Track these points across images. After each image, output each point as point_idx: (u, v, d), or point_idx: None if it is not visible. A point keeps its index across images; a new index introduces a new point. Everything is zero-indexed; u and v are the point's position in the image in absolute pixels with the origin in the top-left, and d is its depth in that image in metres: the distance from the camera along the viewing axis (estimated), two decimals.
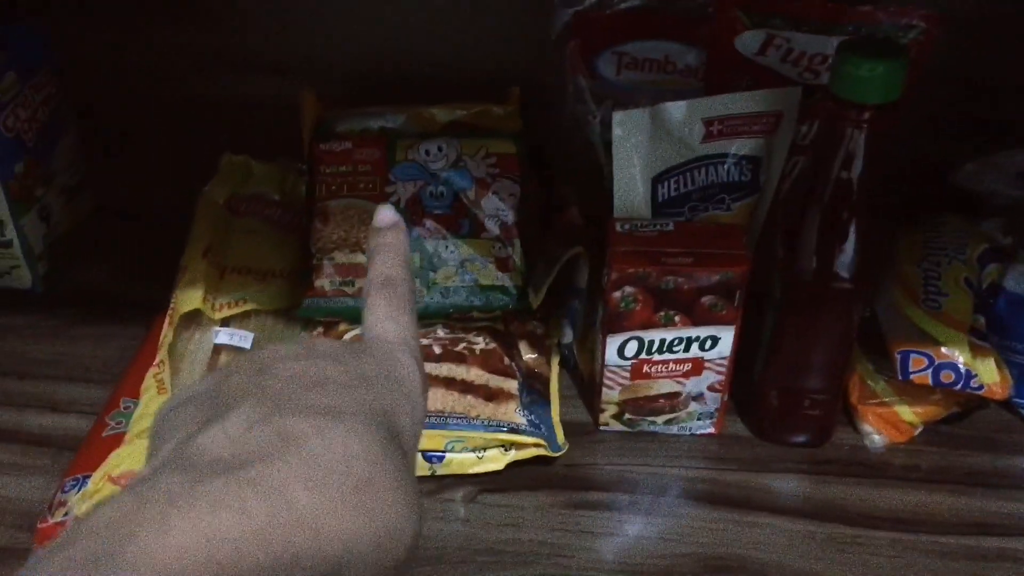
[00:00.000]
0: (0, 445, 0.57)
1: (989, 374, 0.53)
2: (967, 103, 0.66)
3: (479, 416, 0.54)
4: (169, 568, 0.23)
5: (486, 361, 0.58)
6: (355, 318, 0.61)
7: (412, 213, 0.61)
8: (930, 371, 0.54)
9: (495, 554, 0.51)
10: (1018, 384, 0.56)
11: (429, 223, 0.61)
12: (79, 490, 0.48)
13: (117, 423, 0.53)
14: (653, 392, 0.56)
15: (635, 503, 0.54)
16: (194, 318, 0.58)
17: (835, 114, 0.47)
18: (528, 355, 0.61)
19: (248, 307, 0.61)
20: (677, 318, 0.53)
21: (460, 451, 0.54)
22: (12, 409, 0.60)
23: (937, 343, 0.54)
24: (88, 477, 0.49)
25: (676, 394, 0.56)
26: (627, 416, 0.58)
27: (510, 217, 0.62)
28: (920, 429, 0.58)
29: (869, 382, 0.58)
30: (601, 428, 0.59)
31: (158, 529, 0.23)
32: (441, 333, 0.60)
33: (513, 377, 0.57)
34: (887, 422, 0.57)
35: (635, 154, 0.55)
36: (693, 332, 0.54)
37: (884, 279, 0.60)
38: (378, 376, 0.32)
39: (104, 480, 0.48)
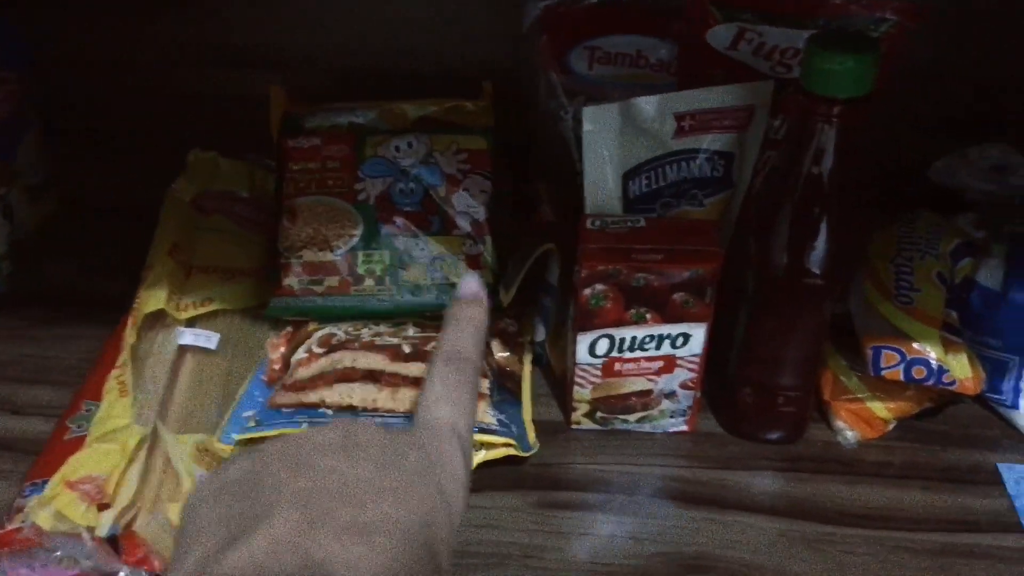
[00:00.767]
0: None
1: (961, 369, 0.53)
2: (947, 98, 0.66)
3: None
4: None
5: None
6: (324, 317, 0.60)
7: (381, 210, 0.61)
8: (902, 367, 0.53)
9: (466, 556, 0.50)
10: (991, 379, 0.56)
11: (399, 220, 0.60)
12: (37, 495, 0.47)
13: (78, 426, 0.52)
14: (625, 390, 0.55)
15: (608, 502, 0.54)
16: (159, 318, 0.57)
17: (805, 108, 0.47)
18: (500, 353, 0.60)
19: (215, 307, 0.60)
20: (648, 315, 0.52)
21: None
22: None
23: (909, 338, 0.54)
24: (47, 482, 0.48)
25: (648, 392, 0.56)
26: (599, 414, 0.57)
27: (481, 214, 0.61)
28: (893, 424, 0.57)
29: (842, 378, 0.58)
30: (573, 427, 0.58)
31: None
32: (412, 332, 0.59)
33: (484, 376, 0.57)
34: (860, 418, 0.57)
35: (606, 150, 0.54)
36: (665, 329, 0.53)
37: (857, 274, 0.59)
38: (419, 477, 0.30)
39: (61, 485, 0.47)
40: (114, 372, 0.53)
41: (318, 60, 0.73)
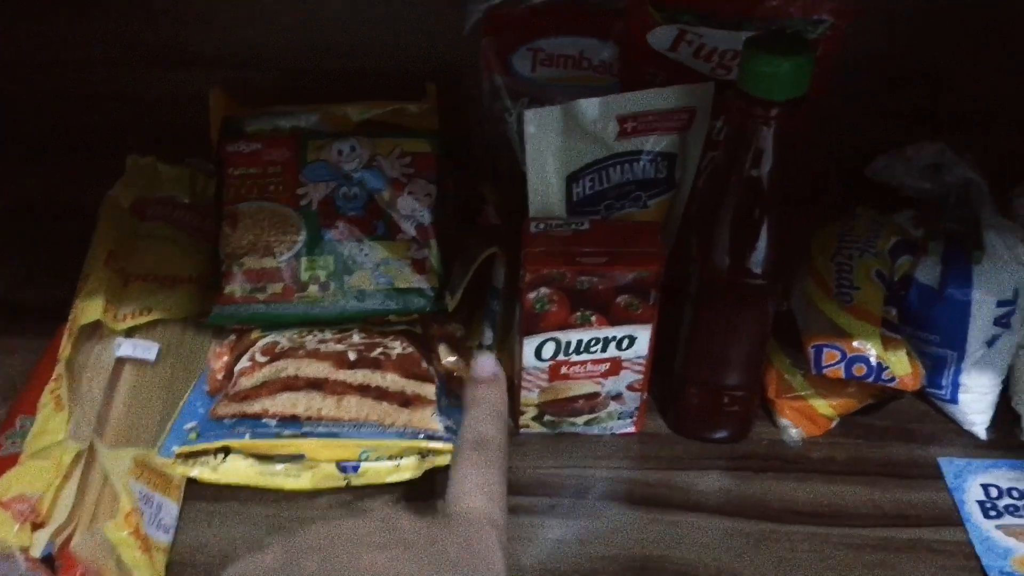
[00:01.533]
0: None
1: (901, 366, 0.54)
2: (890, 96, 0.67)
3: (394, 424, 0.53)
4: None
5: (403, 366, 0.56)
6: (268, 324, 0.59)
7: (325, 215, 0.60)
8: (843, 364, 0.54)
9: None
10: (930, 374, 0.57)
11: (342, 225, 0.60)
12: None
13: (12, 443, 0.51)
14: (572, 393, 0.55)
15: (556, 506, 0.54)
16: (96, 329, 0.56)
17: (743, 110, 0.47)
18: (448, 358, 0.60)
19: (154, 316, 0.58)
20: (594, 318, 0.52)
21: (375, 460, 0.53)
22: None
23: (849, 336, 0.54)
24: None
25: (595, 394, 0.56)
26: (547, 418, 0.57)
27: (426, 218, 0.61)
28: (836, 421, 0.58)
29: (787, 376, 0.58)
30: (522, 431, 0.58)
31: None
32: (357, 338, 0.58)
33: (431, 381, 0.56)
34: (804, 415, 0.57)
35: (549, 152, 0.54)
36: (610, 332, 0.53)
37: (800, 272, 0.60)
38: (462, 571, 0.30)
39: None
40: (49, 386, 0.52)
41: (261, 61, 0.71)
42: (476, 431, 0.39)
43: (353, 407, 0.53)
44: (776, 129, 0.47)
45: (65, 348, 0.53)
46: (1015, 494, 0.54)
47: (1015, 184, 0.61)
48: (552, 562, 0.51)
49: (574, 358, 0.54)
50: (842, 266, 0.58)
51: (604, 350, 0.54)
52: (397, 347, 0.58)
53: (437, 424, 0.54)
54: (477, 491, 0.36)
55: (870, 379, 0.54)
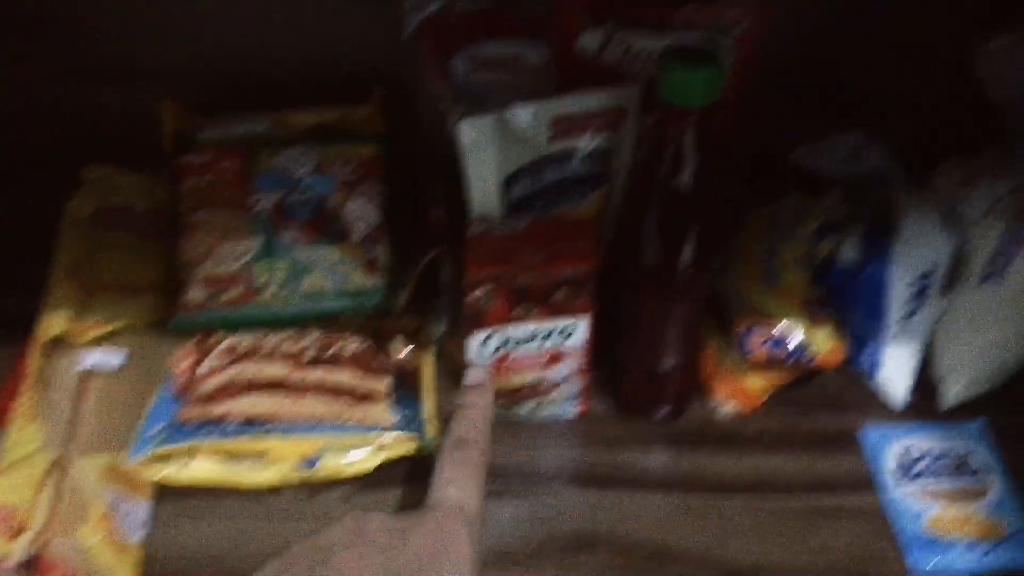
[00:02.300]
0: None
1: (823, 344, 0.58)
2: (810, 87, 0.70)
3: (350, 419, 0.56)
4: None
5: (358, 362, 0.59)
6: (228, 326, 0.62)
7: (277, 221, 0.62)
8: (768, 345, 0.58)
9: None
10: (853, 350, 0.61)
11: (295, 230, 0.62)
12: None
13: None
14: (517, 383, 0.59)
15: (505, 491, 0.57)
16: (62, 341, 0.58)
17: (662, 117, 0.50)
18: (401, 352, 0.63)
19: (120, 324, 0.61)
20: (534, 312, 0.56)
21: (334, 455, 0.56)
22: None
23: (773, 318, 0.58)
24: None
25: (540, 382, 0.59)
26: (496, 407, 0.60)
27: (376, 219, 0.63)
28: (768, 396, 0.62)
29: (721, 356, 0.62)
30: None
31: None
32: (314, 337, 0.61)
33: (385, 376, 0.59)
34: (737, 391, 0.61)
35: (486, 158, 0.56)
36: (550, 324, 0.56)
37: (732, 257, 0.63)
38: (428, 561, 0.35)
39: None
40: (20, 400, 0.54)
41: (209, 72, 0.73)
42: (457, 433, 0.44)
43: (311, 405, 0.57)
44: (694, 132, 0.50)
45: (33, 361, 0.56)
46: (928, 458, 0.58)
47: (929, 166, 0.64)
48: (503, 542, 0.54)
49: (517, 350, 0.57)
50: (769, 250, 0.62)
51: (546, 341, 0.57)
52: (353, 344, 0.61)
53: (391, 416, 0.57)
54: (452, 485, 0.40)
55: (791, 360, 0.58)
